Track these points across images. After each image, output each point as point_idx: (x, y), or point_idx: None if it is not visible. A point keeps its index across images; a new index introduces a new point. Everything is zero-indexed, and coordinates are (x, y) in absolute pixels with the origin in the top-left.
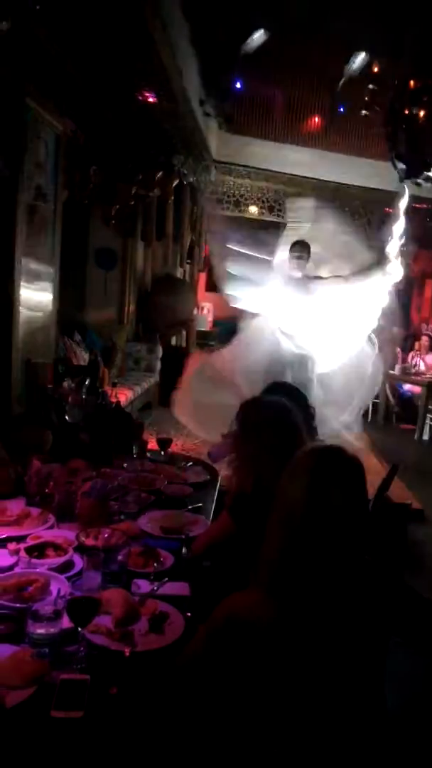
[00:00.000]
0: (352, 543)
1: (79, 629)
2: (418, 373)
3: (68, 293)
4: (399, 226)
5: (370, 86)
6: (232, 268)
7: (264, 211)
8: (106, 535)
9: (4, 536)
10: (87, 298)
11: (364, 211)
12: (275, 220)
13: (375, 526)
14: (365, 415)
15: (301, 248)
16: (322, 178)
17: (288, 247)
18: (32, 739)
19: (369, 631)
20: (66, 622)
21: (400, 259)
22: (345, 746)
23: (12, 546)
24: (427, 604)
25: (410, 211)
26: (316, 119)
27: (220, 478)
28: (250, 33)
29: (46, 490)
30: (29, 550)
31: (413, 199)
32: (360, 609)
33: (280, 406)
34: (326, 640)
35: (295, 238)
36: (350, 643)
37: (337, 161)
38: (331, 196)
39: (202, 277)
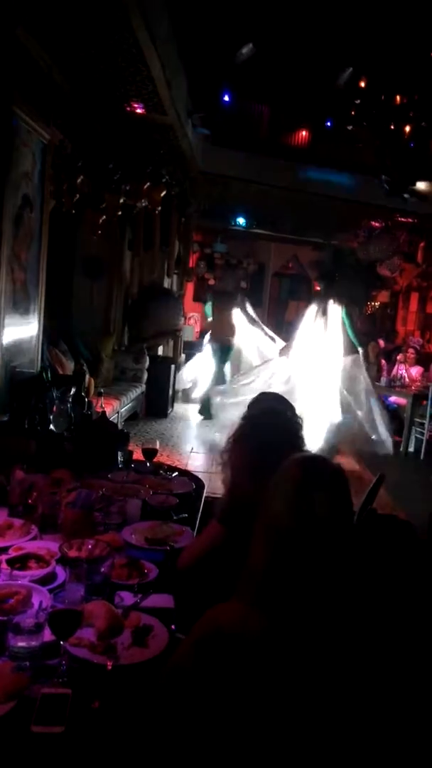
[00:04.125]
0: (338, 553)
1: (61, 642)
2: (403, 386)
3: (55, 302)
4: None
5: (357, 101)
6: None
7: (252, 222)
8: (89, 547)
9: None
10: (73, 307)
11: (351, 225)
12: (263, 231)
13: (361, 538)
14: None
15: None
16: (308, 191)
17: None
18: (12, 755)
19: (357, 642)
20: (47, 635)
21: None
22: (337, 755)
23: None
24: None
25: (396, 226)
26: (303, 132)
27: (206, 489)
28: (238, 47)
29: (29, 501)
30: (11, 562)
31: (399, 212)
32: (347, 620)
33: (269, 419)
34: (313, 651)
35: None
36: (338, 655)
37: (323, 174)
38: (318, 209)
39: (190, 288)
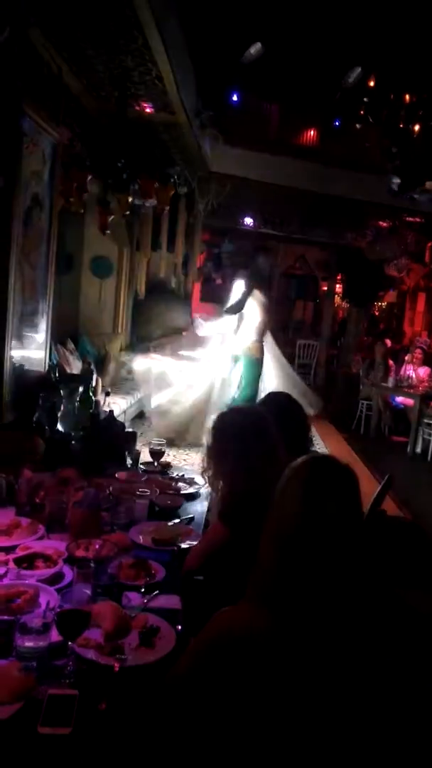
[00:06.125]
0: (348, 554)
1: (68, 643)
2: (411, 386)
3: (63, 301)
4: None
5: (365, 99)
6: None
7: (260, 223)
8: (97, 547)
9: None
10: (81, 307)
11: (359, 225)
12: (271, 231)
13: (370, 539)
14: (357, 427)
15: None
16: (316, 191)
17: None
18: (18, 756)
19: (366, 645)
20: (55, 636)
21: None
22: (345, 756)
23: (1, 556)
24: (422, 618)
25: (403, 226)
26: (312, 132)
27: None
28: (247, 46)
29: (37, 500)
30: (18, 561)
31: (407, 212)
32: (357, 622)
33: (253, 413)
34: (323, 654)
35: None
36: (348, 657)
37: (331, 174)
38: (326, 209)
39: (197, 288)
